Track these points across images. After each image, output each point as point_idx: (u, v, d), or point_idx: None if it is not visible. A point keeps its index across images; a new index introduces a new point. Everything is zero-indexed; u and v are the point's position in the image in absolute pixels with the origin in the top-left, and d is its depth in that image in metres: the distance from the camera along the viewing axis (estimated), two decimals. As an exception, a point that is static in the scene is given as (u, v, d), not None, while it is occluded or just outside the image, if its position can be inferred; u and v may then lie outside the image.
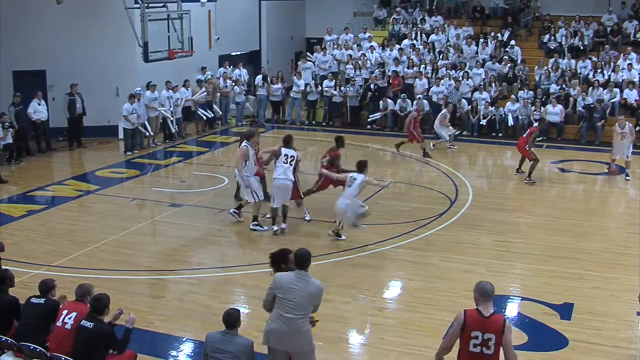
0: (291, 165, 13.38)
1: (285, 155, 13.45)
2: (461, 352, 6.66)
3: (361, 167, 13.05)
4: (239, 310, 7.40)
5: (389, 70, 25.25)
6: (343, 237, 13.11)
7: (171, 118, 21.65)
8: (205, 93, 23.01)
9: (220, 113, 24.03)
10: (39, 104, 19.92)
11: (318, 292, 7.32)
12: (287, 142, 13.69)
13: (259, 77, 25.08)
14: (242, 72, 25.39)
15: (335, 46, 27.05)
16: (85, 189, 17.00)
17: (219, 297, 10.86)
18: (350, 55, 26.12)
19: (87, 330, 7.49)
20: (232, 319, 7.19)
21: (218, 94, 24.01)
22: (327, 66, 26.01)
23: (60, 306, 8.03)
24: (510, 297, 10.94)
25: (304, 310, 7.26)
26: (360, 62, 25.33)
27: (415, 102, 22.94)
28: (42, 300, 8.09)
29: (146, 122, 20.77)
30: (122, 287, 10.92)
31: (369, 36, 27.48)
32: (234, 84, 24.37)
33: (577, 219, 14.73)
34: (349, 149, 21.56)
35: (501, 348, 6.56)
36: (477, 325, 6.53)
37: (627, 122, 18.23)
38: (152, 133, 21.01)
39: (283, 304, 7.23)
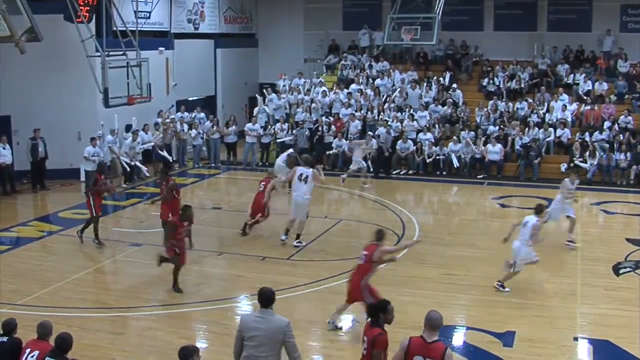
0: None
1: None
2: None
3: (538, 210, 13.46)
4: (195, 346, 7.38)
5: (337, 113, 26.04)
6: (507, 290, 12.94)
7: (127, 161, 22.11)
8: (162, 136, 23.58)
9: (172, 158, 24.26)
10: (4, 148, 20.29)
11: (281, 329, 7.26)
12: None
13: (208, 123, 25.69)
14: (199, 116, 26.05)
15: (289, 90, 27.80)
16: (48, 229, 17.27)
17: (177, 332, 11.11)
18: (302, 99, 26.90)
19: (52, 367, 7.39)
20: (188, 351, 7.11)
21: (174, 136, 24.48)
22: (282, 110, 26.76)
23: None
24: (456, 326, 11.31)
25: (268, 349, 7.23)
26: (311, 104, 26.15)
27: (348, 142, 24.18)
28: (5, 339, 8.09)
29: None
30: (84, 325, 11.14)
31: (320, 80, 28.28)
32: (189, 127, 24.94)
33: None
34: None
35: None
36: (419, 350, 6.87)
37: None
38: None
39: (247, 345, 7.27)
